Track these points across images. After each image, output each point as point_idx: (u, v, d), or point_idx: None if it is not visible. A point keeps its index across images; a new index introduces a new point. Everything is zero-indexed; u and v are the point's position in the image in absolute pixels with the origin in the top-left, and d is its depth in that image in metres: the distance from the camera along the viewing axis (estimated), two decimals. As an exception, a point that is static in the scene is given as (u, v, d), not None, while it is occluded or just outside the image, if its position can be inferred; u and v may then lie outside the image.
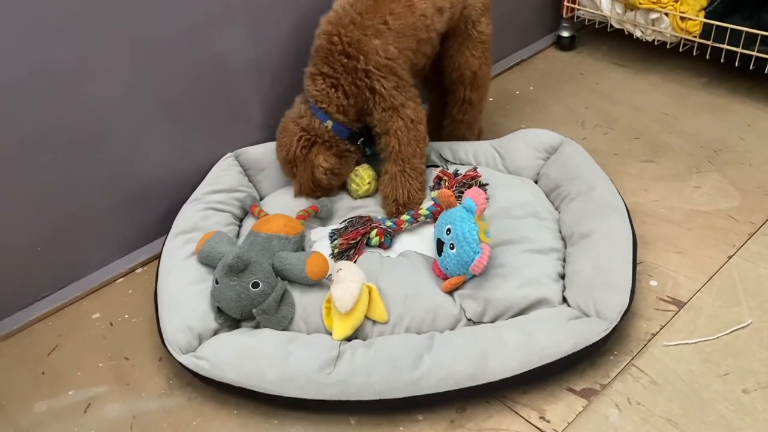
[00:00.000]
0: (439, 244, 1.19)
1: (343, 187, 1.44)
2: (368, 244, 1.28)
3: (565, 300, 1.16)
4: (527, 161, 1.45)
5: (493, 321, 1.13)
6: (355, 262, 1.23)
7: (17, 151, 1.18)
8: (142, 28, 1.24)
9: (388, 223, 1.29)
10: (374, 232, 1.27)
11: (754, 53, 1.66)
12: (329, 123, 1.33)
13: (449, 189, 1.35)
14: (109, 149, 1.29)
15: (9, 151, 1.17)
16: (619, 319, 1.09)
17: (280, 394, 1.04)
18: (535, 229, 1.27)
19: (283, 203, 1.38)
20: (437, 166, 1.49)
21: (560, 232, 1.30)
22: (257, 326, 1.13)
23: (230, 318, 1.13)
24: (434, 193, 1.31)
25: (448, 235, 1.17)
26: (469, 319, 1.14)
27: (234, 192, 1.39)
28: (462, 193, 1.30)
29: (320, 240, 1.31)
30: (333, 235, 1.29)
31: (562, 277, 1.21)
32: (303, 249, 1.28)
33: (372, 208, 1.40)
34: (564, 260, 1.24)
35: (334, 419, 1.07)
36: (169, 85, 1.32)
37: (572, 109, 1.79)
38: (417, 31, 1.32)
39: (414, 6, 1.31)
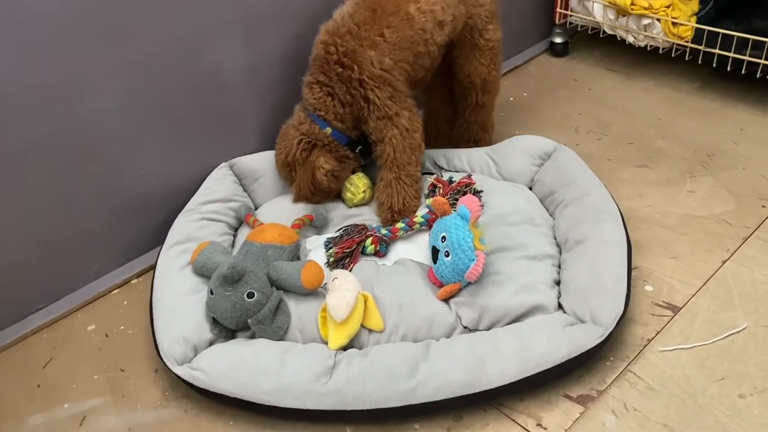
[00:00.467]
0: (434, 252, 1.19)
1: (339, 196, 1.44)
2: (363, 253, 1.28)
3: (560, 306, 1.16)
4: (521, 168, 1.46)
5: (489, 328, 1.13)
6: (350, 270, 1.23)
7: (11, 164, 1.17)
8: (134, 40, 1.24)
9: (384, 231, 1.29)
10: (369, 240, 1.27)
11: (746, 58, 1.67)
12: (328, 130, 1.34)
13: (444, 196, 1.35)
14: (103, 161, 1.29)
15: (2, 165, 1.17)
16: (614, 325, 1.09)
17: (277, 404, 1.04)
18: (530, 235, 1.27)
19: (279, 212, 1.38)
20: (432, 174, 1.49)
21: (555, 239, 1.30)
22: (253, 336, 1.13)
23: (225, 328, 1.13)
24: (429, 201, 1.31)
25: (443, 242, 1.17)
26: (465, 327, 1.14)
27: (229, 202, 1.39)
28: (457, 200, 1.30)
29: (315, 249, 1.31)
30: (328, 244, 1.29)
31: (558, 283, 1.21)
32: (298, 258, 1.28)
33: (367, 216, 1.40)
34: (559, 266, 1.24)
35: (331, 429, 1.06)
36: (163, 95, 1.32)
37: (566, 115, 1.80)
38: (414, 45, 1.33)
39: (413, 20, 1.31)
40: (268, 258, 1.18)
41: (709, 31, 1.70)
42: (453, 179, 1.42)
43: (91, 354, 1.23)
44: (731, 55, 1.69)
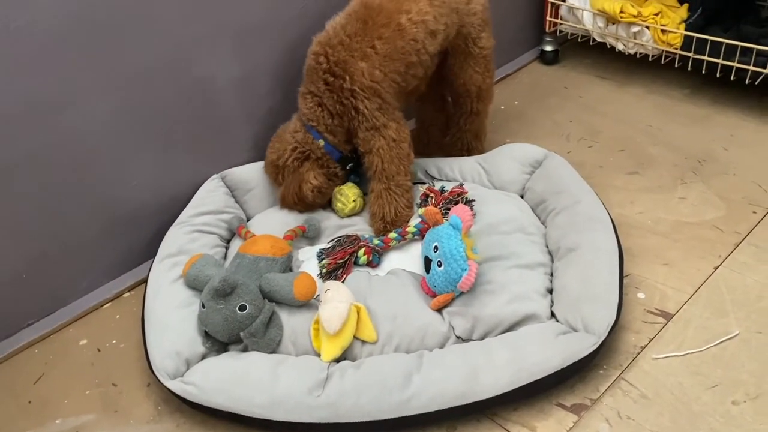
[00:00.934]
0: (427, 262, 1.19)
1: (330, 206, 1.44)
2: (356, 263, 1.27)
3: (553, 315, 1.16)
4: (513, 176, 1.46)
5: (482, 338, 1.13)
6: (343, 281, 1.23)
7: (1, 179, 1.17)
8: (124, 53, 1.24)
9: (376, 242, 1.29)
10: (362, 250, 1.27)
11: (735, 64, 1.68)
12: (321, 142, 1.35)
13: (436, 206, 1.35)
14: (94, 174, 1.28)
15: (-8, 179, 1.16)
16: (607, 334, 1.09)
17: (270, 418, 1.03)
18: (522, 244, 1.27)
19: (271, 223, 1.38)
20: (424, 183, 1.49)
21: (547, 247, 1.30)
22: (245, 349, 1.13)
23: (218, 342, 1.13)
24: (421, 211, 1.31)
25: (435, 252, 1.17)
26: (458, 337, 1.14)
27: (220, 213, 1.38)
28: (449, 209, 1.30)
29: (308, 260, 1.30)
30: (321, 255, 1.29)
31: (550, 291, 1.21)
32: (291, 269, 1.27)
33: (360, 227, 1.40)
34: (551, 275, 1.24)
35: (325, 442, 1.06)
36: (154, 108, 1.32)
37: (557, 123, 1.80)
38: (406, 55, 1.33)
39: (404, 31, 1.32)
40: (260, 270, 1.18)
41: (697, 38, 1.71)
42: (445, 188, 1.42)
43: (83, 369, 1.23)
44: (720, 61, 1.70)
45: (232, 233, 1.38)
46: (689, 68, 1.78)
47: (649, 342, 1.17)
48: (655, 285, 1.28)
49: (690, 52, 1.74)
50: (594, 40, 1.96)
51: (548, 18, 2.01)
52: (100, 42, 1.20)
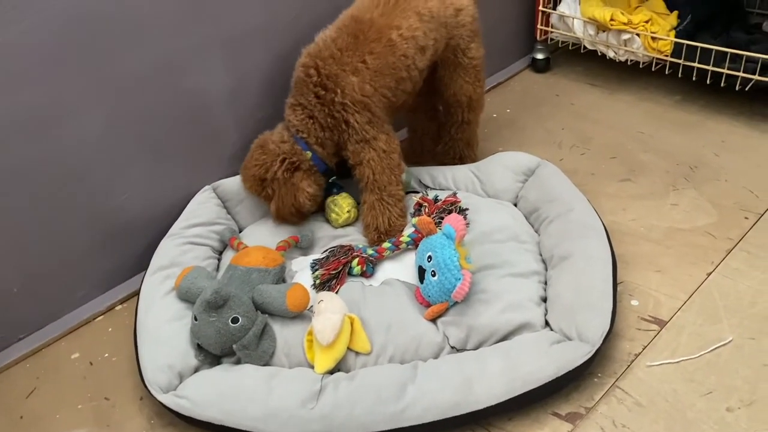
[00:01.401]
0: (421, 272, 1.19)
1: (323, 217, 1.44)
2: (350, 274, 1.27)
3: (547, 323, 1.16)
4: (506, 184, 1.46)
5: (476, 347, 1.13)
6: (336, 292, 1.23)
7: (-9, 193, 1.17)
8: (114, 66, 1.23)
9: (370, 252, 1.29)
10: (356, 261, 1.27)
11: (725, 71, 1.69)
12: (309, 154, 1.34)
13: (429, 215, 1.35)
14: (86, 187, 1.28)
15: (-18, 193, 1.16)
16: (601, 342, 1.09)
17: (263, 430, 1.02)
18: (516, 252, 1.27)
19: (263, 234, 1.38)
20: (417, 192, 1.49)
21: (541, 255, 1.30)
22: (238, 362, 1.12)
23: (211, 354, 1.12)
24: (414, 220, 1.31)
25: (429, 262, 1.17)
26: (452, 347, 1.13)
27: (212, 225, 1.38)
28: (442, 219, 1.31)
29: (301, 270, 1.30)
30: (314, 266, 1.28)
31: (544, 300, 1.21)
32: (284, 280, 1.27)
33: (353, 237, 1.39)
34: (545, 283, 1.24)
35: (319, 454, 1.05)
36: (144, 120, 1.32)
37: (549, 131, 1.81)
38: (396, 71, 1.34)
39: (395, 47, 1.32)
40: (252, 281, 1.17)
41: (687, 45, 1.73)
42: (438, 198, 1.42)
43: (75, 383, 1.22)
44: (710, 68, 1.71)
45: (225, 245, 1.38)
46: (680, 75, 1.79)
47: (643, 349, 1.17)
48: (648, 292, 1.28)
49: (680, 59, 1.75)
50: (585, 47, 1.97)
51: (539, 26, 2.02)
52: (90, 55, 1.20)
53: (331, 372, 1.10)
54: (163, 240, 1.34)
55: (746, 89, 1.70)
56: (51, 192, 1.23)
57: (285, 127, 1.37)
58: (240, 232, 1.43)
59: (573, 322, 1.12)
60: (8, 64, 1.11)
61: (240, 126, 1.48)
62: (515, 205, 1.45)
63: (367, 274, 1.27)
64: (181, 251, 1.30)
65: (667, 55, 1.78)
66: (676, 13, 1.83)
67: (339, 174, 1.42)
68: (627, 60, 1.88)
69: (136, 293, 1.31)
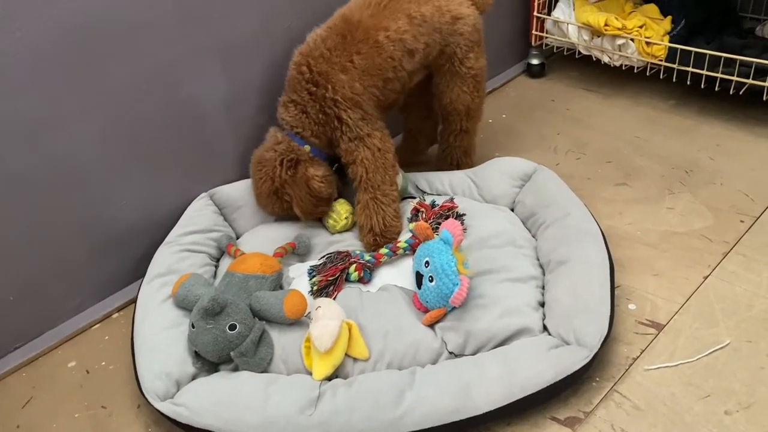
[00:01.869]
0: (418, 277, 1.19)
1: (320, 222, 1.44)
2: (347, 280, 1.27)
3: (545, 328, 1.16)
4: (503, 189, 1.46)
5: (474, 353, 1.13)
6: (334, 298, 1.23)
7: (-13, 201, 1.16)
8: (110, 74, 1.23)
9: (367, 258, 1.29)
10: (353, 267, 1.27)
11: (719, 75, 1.70)
12: (307, 147, 1.35)
13: (426, 221, 1.35)
14: (82, 195, 1.27)
15: (-22, 201, 1.15)
16: (599, 346, 1.09)
17: (262, 438, 1.02)
18: (514, 257, 1.27)
19: (260, 241, 1.38)
20: (414, 198, 1.49)
21: (538, 260, 1.31)
22: (236, 369, 1.12)
23: (208, 362, 1.12)
24: (411, 226, 1.32)
25: (426, 267, 1.17)
26: (450, 352, 1.13)
27: (209, 232, 1.38)
28: (439, 224, 1.31)
29: (299, 277, 1.30)
30: (312, 272, 1.28)
31: (542, 304, 1.21)
32: (281, 287, 1.27)
33: (350, 242, 1.39)
34: (543, 288, 1.24)
35: (318, 461, 1.05)
36: (140, 127, 1.32)
37: (544, 136, 1.82)
38: (383, 72, 1.34)
39: (381, 48, 1.33)
40: (249, 288, 1.17)
41: (681, 49, 1.73)
42: (435, 203, 1.42)
43: (71, 391, 1.21)
44: (704, 72, 1.72)
45: (222, 252, 1.38)
46: (674, 79, 1.80)
47: (641, 353, 1.17)
48: (645, 296, 1.28)
49: (674, 63, 1.76)
50: (580, 53, 1.97)
51: (534, 32, 2.03)
52: (87, 63, 1.20)
53: (329, 378, 1.09)
54: (160, 247, 1.34)
55: (740, 93, 1.71)
56: (47, 200, 1.23)
57: (276, 130, 1.37)
58: (237, 239, 1.42)
59: (571, 327, 1.12)
60: (4, 72, 1.11)
61: (236, 133, 1.48)
62: (512, 210, 1.45)
63: (364, 280, 1.27)
64: (178, 258, 1.30)
65: (661, 60, 1.79)
66: (669, 18, 1.84)
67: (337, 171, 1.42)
68: (621, 65, 1.89)
69: (133, 301, 1.30)
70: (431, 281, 1.15)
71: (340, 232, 1.42)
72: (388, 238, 1.35)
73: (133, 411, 1.16)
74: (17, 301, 1.25)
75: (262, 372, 1.10)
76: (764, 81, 1.64)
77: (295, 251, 1.35)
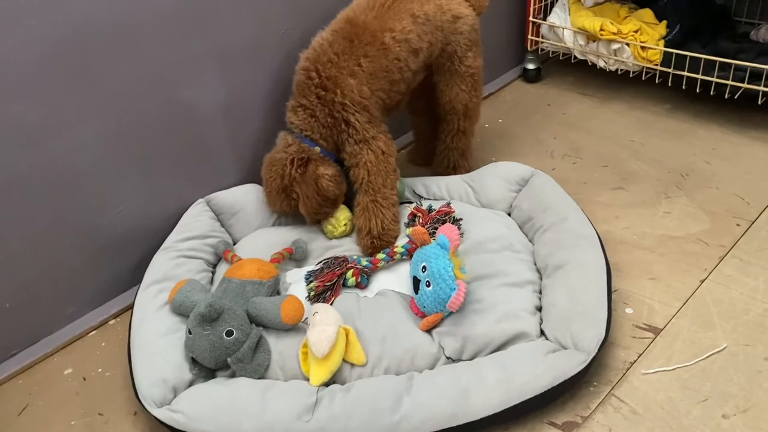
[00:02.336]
0: (416, 282, 1.19)
1: (317, 227, 1.44)
2: (345, 285, 1.27)
3: (543, 333, 1.16)
4: (499, 194, 1.46)
5: (472, 358, 1.13)
6: (331, 303, 1.23)
7: (-18, 208, 1.16)
8: (108, 80, 1.23)
9: (364, 263, 1.29)
10: (350, 272, 1.27)
11: (714, 79, 1.70)
12: (317, 148, 1.36)
13: (423, 225, 1.35)
14: (78, 201, 1.27)
15: (-26, 208, 1.15)
16: (596, 350, 1.09)
17: (259, 444, 1.02)
18: (511, 262, 1.27)
19: (257, 246, 1.37)
20: (411, 203, 1.49)
21: (535, 264, 1.31)
22: (233, 375, 1.11)
23: (205, 368, 1.11)
24: (408, 230, 1.32)
25: (423, 272, 1.16)
26: (448, 357, 1.13)
27: (206, 238, 1.37)
28: (436, 229, 1.31)
29: (296, 282, 1.30)
30: (309, 277, 1.28)
31: (539, 309, 1.21)
32: (278, 292, 1.27)
33: (347, 247, 1.39)
34: (540, 292, 1.24)
35: (315, 467, 1.04)
36: (137, 133, 1.32)
37: (541, 140, 1.82)
38: (390, 73, 1.36)
39: (388, 50, 1.34)
40: (246, 294, 1.17)
41: (676, 54, 1.74)
42: (432, 208, 1.42)
43: (68, 399, 1.21)
44: (699, 76, 1.72)
45: (219, 258, 1.38)
46: (669, 84, 1.80)
47: (639, 357, 1.17)
48: (642, 300, 1.28)
49: (670, 68, 1.77)
50: (575, 57, 1.98)
51: (530, 36, 2.04)
52: (85, 69, 1.20)
53: (327, 384, 1.09)
54: (156, 253, 1.34)
55: (735, 97, 1.71)
56: (44, 205, 1.23)
57: (286, 134, 1.38)
58: (234, 244, 1.42)
59: (568, 331, 1.12)
60: (2, 77, 1.11)
61: (233, 139, 1.48)
62: (509, 214, 1.45)
63: (361, 285, 1.27)
64: (175, 264, 1.30)
65: (656, 65, 1.80)
66: (664, 22, 1.84)
67: None
68: (617, 69, 1.90)
69: (130, 307, 1.30)
70: (428, 286, 1.15)
71: (338, 237, 1.42)
72: (385, 242, 1.35)
73: (130, 418, 1.16)
74: (13, 308, 1.25)
75: (259, 378, 1.10)
76: (759, 85, 1.64)
77: (292, 257, 1.35)
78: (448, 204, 1.43)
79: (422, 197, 1.52)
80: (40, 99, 1.16)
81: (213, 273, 1.36)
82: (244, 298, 1.16)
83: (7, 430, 1.16)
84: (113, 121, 1.27)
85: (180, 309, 1.18)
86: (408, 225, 1.41)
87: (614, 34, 1.82)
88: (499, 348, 1.13)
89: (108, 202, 1.32)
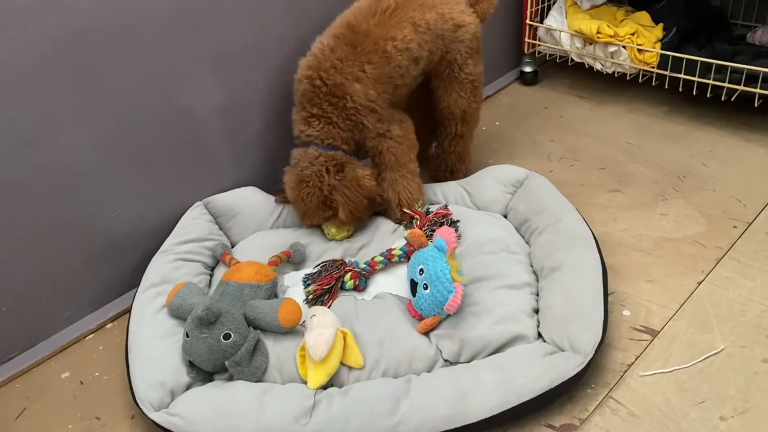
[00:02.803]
0: (413, 285, 1.19)
1: (314, 229, 1.44)
2: (343, 288, 1.27)
3: (540, 335, 1.16)
4: (495, 196, 1.47)
5: (469, 360, 1.13)
6: (329, 306, 1.23)
7: (-20, 211, 1.16)
8: (105, 83, 1.24)
9: (362, 266, 1.29)
10: (348, 275, 1.27)
11: (710, 81, 1.71)
12: (342, 153, 1.37)
13: (420, 228, 1.35)
14: (76, 204, 1.27)
15: (-29, 212, 1.15)
16: (593, 353, 1.09)
17: (257, 447, 1.02)
18: (508, 264, 1.27)
19: (256, 250, 1.37)
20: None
21: (532, 266, 1.31)
22: (231, 379, 1.11)
23: (203, 372, 1.11)
24: (406, 233, 1.32)
25: (421, 275, 1.17)
26: (446, 360, 1.13)
27: (204, 241, 1.37)
28: (433, 231, 1.31)
29: (294, 285, 1.30)
30: (307, 281, 1.28)
31: (537, 311, 1.21)
32: (276, 296, 1.27)
33: (345, 246, 1.39)
34: (537, 294, 1.24)
35: (313, 470, 1.04)
36: (135, 136, 1.32)
37: (538, 143, 1.82)
38: (392, 79, 1.37)
39: (390, 58, 1.35)
40: (244, 297, 1.17)
41: (673, 56, 1.75)
42: (430, 210, 1.42)
43: (65, 402, 1.20)
44: (696, 79, 1.73)
45: (217, 261, 1.38)
46: (666, 86, 1.81)
47: (636, 359, 1.17)
48: (639, 302, 1.29)
49: (666, 70, 1.77)
50: (572, 60, 1.98)
51: (527, 39, 2.04)
52: (81, 71, 1.20)
53: (324, 387, 1.09)
54: (154, 256, 1.34)
55: (732, 99, 1.72)
56: (41, 209, 1.23)
57: (303, 150, 1.36)
58: (232, 247, 1.42)
59: (565, 333, 1.12)
60: (0, 78, 1.11)
61: (231, 142, 1.48)
62: (505, 216, 1.45)
63: (359, 288, 1.27)
64: (172, 268, 1.30)
65: (653, 67, 1.80)
66: (661, 25, 1.85)
67: None
68: (614, 72, 1.90)
69: (127, 311, 1.30)
70: (426, 289, 1.15)
71: (339, 240, 1.41)
72: (414, 210, 1.41)
73: (127, 421, 1.15)
74: (10, 312, 1.25)
75: (256, 381, 1.10)
76: (755, 87, 1.65)
77: (290, 260, 1.35)
78: (445, 206, 1.43)
79: (420, 200, 1.52)
80: (38, 101, 1.16)
81: (211, 276, 1.36)
82: (241, 301, 1.16)
83: (4, 434, 1.16)
84: (112, 122, 1.27)
85: (178, 312, 1.18)
86: (405, 228, 1.41)
87: (611, 36, 1.82)
88: (497, 350, 1.13)
89: (106, 205, 1.32)
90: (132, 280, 1.38)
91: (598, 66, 1.92)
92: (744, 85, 1.66)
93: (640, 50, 1.80)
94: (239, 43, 1.41)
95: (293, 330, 1.15)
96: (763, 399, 1.08)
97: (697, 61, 1.70)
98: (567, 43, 1.94)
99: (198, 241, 1.37)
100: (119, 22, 1.22)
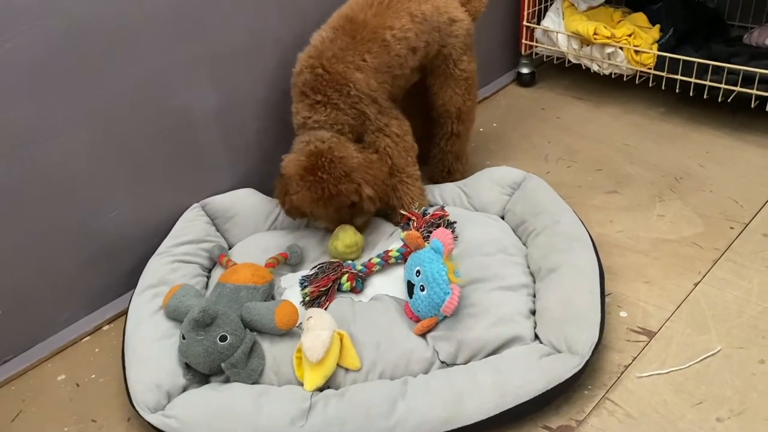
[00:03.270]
0: (410, 286, 1.19)
1: (312, 230, 1.44)
2: (340, 290, 1.27)
3: (537, 336, 1.16)
4: (492, 198, 1.47)
5: (466, 362, 1.12)
6: (326, 308, 1.22)
7: (-25, 213, 1.16)
8: (101, 84, 1.23)
9: (359, 267, 1.29)
10: (345, 277, 1.27)
11: (707, 83, 1.71)
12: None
13: (417, 229, 1.35)
14: (73, 207, 1.27)
15: (-33, 214, 1.15)
16: (590, 354, 1.09)
17: (253, 450, 1.02)
18: (505, 265, 1.27)
19: (253, 251, 1.37)
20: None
21: (529, 268, 1.31)
22: (227, 381, 1.11)
23: (199, 373, 1.11)
24: (402, 235, 1.32)
25: (417, 276, 1.16)
26: (442, 362, 1.13)
27: (201, 243, 1.37)
28: (430, 233, 1.31)
29: (291, 287, 1.30)
30: (303, 282, 1.28)
31: (533, 313, 1.21)
32: (273, 297, 1.27)
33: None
34: (534, 295, 1.24)
35: (310, 473, 1.04)
36: (131, 138, 1.31)
37: (535, 144, 1.82)
38: (392, 69, 1.38)
39: (389, 47, 1.36)
40: (241, 299, 1.17)
41: (670, 58, 1.75)
42: (426, 211, 1.42)
43: (61, 405, 1.20)
44: (693, 80, 1.73)
45: (214, 262, 1.37)
46: (663, 87, 1.81)
47: (633, 360, 1.17)
48: (636, 303, 1.29)
49: (663, 71, 1.77)
50: (569, 61, 1.99)
51: (524, 41, 2.04)
52: (77, 73, 1.20)
53: (321, 389, 1.09)
54: (151, 258, 1.33)
55: (729, 101, 1.72)
56: (37, 211, 1.22)
57: (312, 132, 1.30)
58: (229, 249, 1.42)
59: (562, 335, 1.12)
60: (-7, 83, 1.11)
61: (228, 143, 1.48)
62: (502, 218, 1.45)
63: (356, 289, 1.27)
64: (169, 269, 1.30)
65: (650, 68, 1.80)
66: (658, 26, 1.85)
67: None
68: (611, 73, 1.90)
69: (124, 313, 1.30)
70: (423, 290, 1.15)
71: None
72: (415, 214, 1.40)
73: (124, 424, 1.15)
74: (6, 314, 1.24)
75: (253, 383, 1.10)
76: (752, 88, 1.65)
77: (287, 261, 1.35)
78: (442, 207, 1.43)
79: (417, 201, 1.52)
80: (32, 105, 1.16)
81: (208, 278, 1.35)
82: (238, 303, 1.16)
83: (0, 436, 1.16)
84: (106, 126, 1.27)
85: (174, 314, 1.17)
86: (402, 229, 1.41)
87: (608, 38, 1.82)
88: (494, 352, 1.13)
89: (102, 207, 1.31)
90: (129, 282, 1.37)
91: (595, 67, 1.92)
92: (741, 87, 1.66)
93: (637, 51, 1.81)
94: (235, 46, 1.41)
95: (290, 332, 1.15)
96: (760, 400, 1.08)
97: (694, 62, 1.71)
98: (564, 45, 1.95)
99: (195, 243, 1.36)
100: (114, 26, 1.22)
